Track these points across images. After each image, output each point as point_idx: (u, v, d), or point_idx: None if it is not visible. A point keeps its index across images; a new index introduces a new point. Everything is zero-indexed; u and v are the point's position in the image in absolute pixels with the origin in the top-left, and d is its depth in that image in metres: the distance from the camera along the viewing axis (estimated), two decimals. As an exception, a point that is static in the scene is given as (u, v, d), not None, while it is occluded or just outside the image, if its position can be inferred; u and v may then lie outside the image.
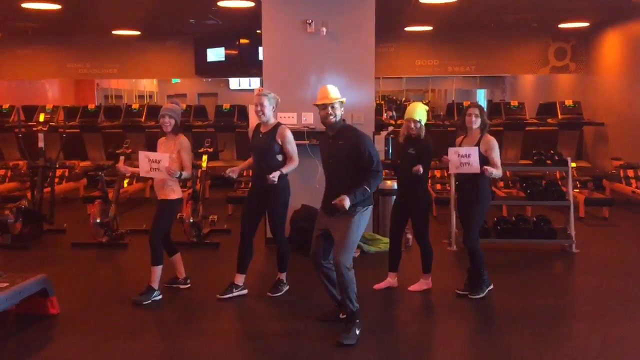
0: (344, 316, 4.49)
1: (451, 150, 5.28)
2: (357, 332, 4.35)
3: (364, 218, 4.44)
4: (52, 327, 4.73)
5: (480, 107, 5.40)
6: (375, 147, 4.56)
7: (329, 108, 4.39)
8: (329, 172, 4.55)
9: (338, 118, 4.44)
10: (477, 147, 5.17)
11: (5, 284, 4.60)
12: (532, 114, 12.66)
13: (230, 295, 5.32)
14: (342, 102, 4.46)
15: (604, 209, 8.90)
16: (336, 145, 4.42)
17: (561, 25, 12.02)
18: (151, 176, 5.30)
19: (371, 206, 4.50)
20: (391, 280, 5.64)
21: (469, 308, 5.16)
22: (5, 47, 13.26)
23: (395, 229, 5.59)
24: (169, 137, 5.33)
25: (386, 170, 8.90)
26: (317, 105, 4.50)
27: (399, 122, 11.35)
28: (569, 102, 12.17)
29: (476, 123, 5.28)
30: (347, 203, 4.20)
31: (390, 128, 9.03)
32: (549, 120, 12.08)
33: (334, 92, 4.49)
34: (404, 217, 5.51)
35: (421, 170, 5.15)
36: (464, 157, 5.17)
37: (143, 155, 5.19)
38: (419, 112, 5.28)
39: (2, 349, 4.35)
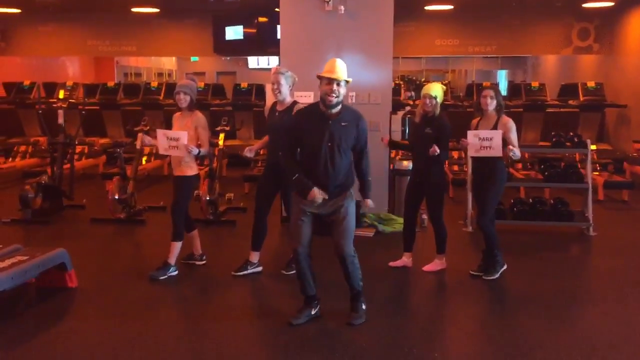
0: (315, 312, 4.36)
1: (470, 133, 5.24)
2: (364, 307, 4.37)
3: (354, 199, 4.31)
4: (70, 300, 4.83)
5: (495, 89, 5.36)
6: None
7: (334, 85, 4.03)
8: (324, 157, 4.09)
9: (341, 98, 4.08)
10: (500, 131, 5.13)
11: (25, 257, 4.71)
12: (554, 95, 12.49)
13: (244, 272, 5.38)
14: (347, 82, 4.14)
15: (623, 192, 8.79)
16: (339, 127, 4.09)
17: (585, 5, 11.79)
18: (170, 154, 5.32)
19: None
20: (406, 260, 5.65)
21: (482, 289, 5.16)
22: (27, 23, 13.38)
23: (409, 209, 5.59)
24: (184, 113, 5.35)
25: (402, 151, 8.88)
26: (321, 77, 4.10)
27: (416, 102, 11.27)
28: (591, 84, 11.98)
29: (491, 105, 5.24)
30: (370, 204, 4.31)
31: (408, 108, 8.97)
32: (570, 102, 11.91)
33: (343, 69, 4.13)
34: (418, 197, 5.50)
35: (438, 150, 5.12)
36: (485, 141, 5.13)
37: (161, 134, 5.22)
38: (434, 89, 5.27)
39: (23, 320, 4.45)
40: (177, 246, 5.36)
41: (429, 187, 5.38)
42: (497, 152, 5.12)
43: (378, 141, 6.98)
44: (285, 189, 5.27)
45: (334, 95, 4.05)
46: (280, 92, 5.13)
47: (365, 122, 4.27)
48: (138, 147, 7.74)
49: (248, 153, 5.34)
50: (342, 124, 4.12)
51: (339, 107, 4.13)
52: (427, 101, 5.26)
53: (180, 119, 5.37)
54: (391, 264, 5.64)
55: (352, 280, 4.29)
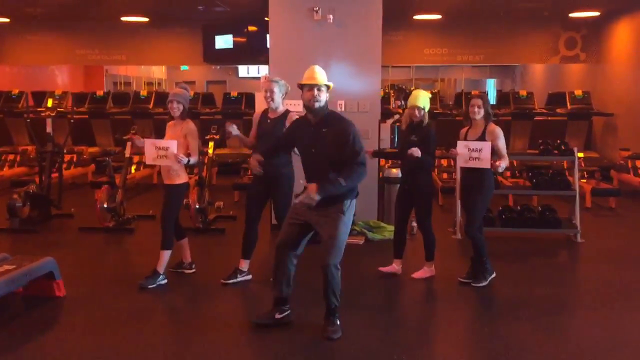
0: (280, 316, 4.35)
1: (461, 143, 5.26)
2: (338, 322, 4.27)
3: (351, 212, 4.19)
4: (59, 310, 4.80)
5: (483, 98, 5.39)
6: (361, 137, 4.15)
7: (315, 90, 4.08)
8: (309, 163, 4.19)
9: (323, 103, 4.12)
10: (489, 143, 5.17)
11: (12, 266, 4.68)
12: (541, 103, 12.60)
13: (234, 280, 5.37)
14: (328, 87, 4.17)
15: (610, 200, 8.87)
16: (319, 133, 4.10)
17: (572, 15, 11.92)
18: (158, 164, 5.30)
19: (355, 199, 4.21)
20: (396, 267, 5.66)
21: (471, 296, 5.18)
22: (15, 32, 13.34)
23: (399, 216, 5.61)
24: (176, 121, 5.35)
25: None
26: (301, 85, 4.17)
27: (407, 110, 11.32)
28: (578, 92, 12.09)
29: (479, 114, 5.28)
30: (316, 197, 3.95)
31: (397, 116, 9.02)
32: (558, 111, 12.02)
33: (322, 74, 4.18)
34: (408, 204, 5.52)
35: (417, 153, 5.10)
36: (474, 152, 5.16)
37: (150, 143, 5.19)
38: (421, 99, 5.31)
39: (10, 329, 4.42)
40: (166, 255, 5.34)
41: (416, 195, 5.40)
42: (485, 164, 5.14)
43: (367, 149, 7.03)
44: (276, 197, 5.28)
45: (315, 100, 4.09)
46: (272, 100, 5.14)
47: (351, 129, 4.07)
48: (127, 155, 7.74)
49: (231, 128, 5.27)
50: (323, 129, 4.11)
51: (322, 112, 4.14)
52: (416, 112, 5.30)
53: (173, 128, 5.36)
54: (381, 268, 5.65)
55: (328, 293, 4.16)
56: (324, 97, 4.12)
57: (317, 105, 4.11)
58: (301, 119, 4.37)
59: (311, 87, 4.10)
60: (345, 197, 4.11)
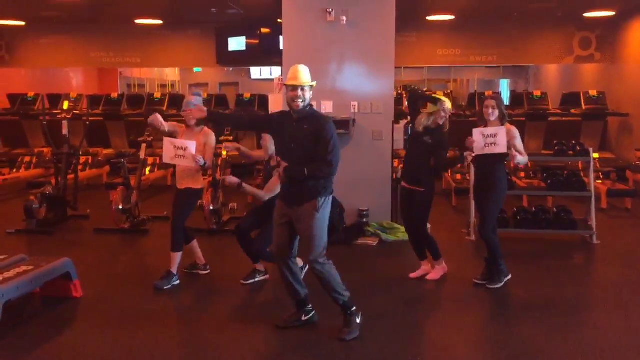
0: (306, 318, 4.43)
1: (476, 131, 5.21)
2: (358, 320, 4.29)
3: (326, 210, 4.20)
4: (75, 310, 4.84)
5: (497, 99, 5.36)
6: (337, 138, 4.16)
7: (299, 90, 4.12)
8: (287, 157, 4.18)
9: (307, 102, 4.16)
10: (504, 128, 5.13)
11: (30, 267, 4.73)
12: (555, 104, 12.51)
13: (253, 280, 5.42)
14: (311, 86, 4.21)
15: (626, 201, 8.79)
16: (300, 129, 4.14)
17: (586, 14, 11.83)
18: (175, 163, 5.30)
19: (331, 195, 4.25)
20: (425, 267, 5.61)
21: (486, 297, 5.16)
22: (31, 36, 13.48)
23: (408, 220, 5.55)
24: (191, 128, 5.37)
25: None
26: (286, 85, 4.22)
27: (422, 111, 11.28)
28: (593, 93, 11.99)
29: (493, 115, 5.25)
30: (281, 172, 4.14)
31: (410, 118, 8.99)
32: (573, 111, 11.93)
33: (305, 74, 4.20)
34: (409, 205, 5.50)
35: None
36: (490, 137, 5.11)
37: (168, 142, 5.20)
38: (448, 102, 5.35)
39: (28, 329, 4.47)
40: (177, 256, 5.37)
41: (417, 196, 5.35)
42: (502, 148, 5.08)
43: (381, 150, 7.05)
44: (267, 223, 5.16)
45: (299, 100, 4.14)
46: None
47: (329, 127, 4.12)
48: (142, 157, 7.81)
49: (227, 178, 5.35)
50: (305, 126, 4.15)
51: (306, 110, 4.18)
52: (447, 114, 5.33)
53: (188, 134, 5.37)
54: (411, 275, 5.59)
55: (328, 289, 4.22)
56: (307, 96, 4.17)
57: (301, 105, 4.14)
58: (285, 113, 4.39)
59: (295, 87, 4.14)
60: (319, 195, 4.16)
